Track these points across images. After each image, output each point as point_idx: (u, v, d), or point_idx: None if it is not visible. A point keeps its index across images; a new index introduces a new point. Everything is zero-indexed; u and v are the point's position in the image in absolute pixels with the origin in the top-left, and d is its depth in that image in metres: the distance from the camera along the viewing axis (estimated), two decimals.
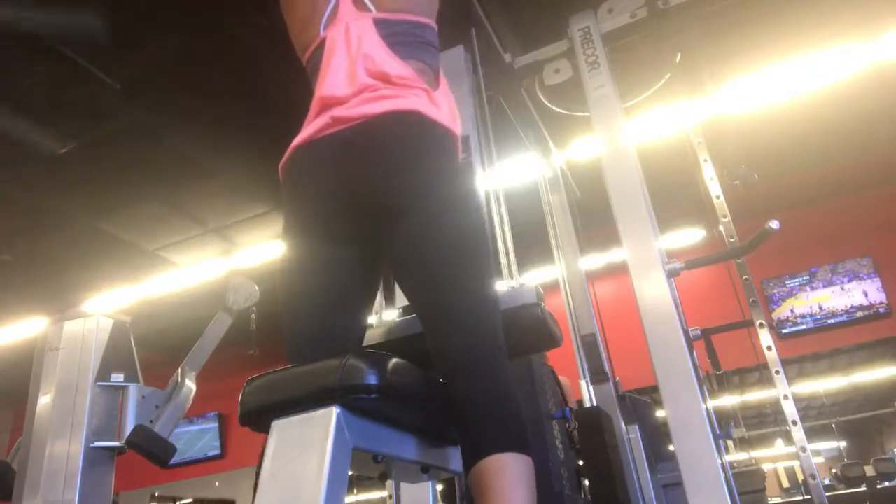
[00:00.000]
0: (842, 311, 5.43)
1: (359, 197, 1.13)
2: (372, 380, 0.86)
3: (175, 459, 2.12)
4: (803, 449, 2.20)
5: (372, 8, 1.29)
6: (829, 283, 5.53)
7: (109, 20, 2.92)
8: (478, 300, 1.06)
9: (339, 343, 1.13)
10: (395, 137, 1.14)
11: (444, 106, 1.26)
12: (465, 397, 0.97)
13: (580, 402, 2.62)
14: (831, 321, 5.46)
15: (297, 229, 1.19)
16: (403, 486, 1.76)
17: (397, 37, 1.27)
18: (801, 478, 7.63)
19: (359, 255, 1.19)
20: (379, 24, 1.27)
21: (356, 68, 1.22)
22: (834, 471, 6.70)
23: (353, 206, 1.14)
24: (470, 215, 1.13)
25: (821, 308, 5.50)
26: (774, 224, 1.84)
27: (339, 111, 1.18)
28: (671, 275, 1.83)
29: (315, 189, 1.18)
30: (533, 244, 3.20)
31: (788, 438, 2.87)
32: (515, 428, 0.95)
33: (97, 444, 1.97)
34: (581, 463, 2.30)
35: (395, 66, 1.22)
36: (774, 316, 5.55)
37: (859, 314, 5.38)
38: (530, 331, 1.13)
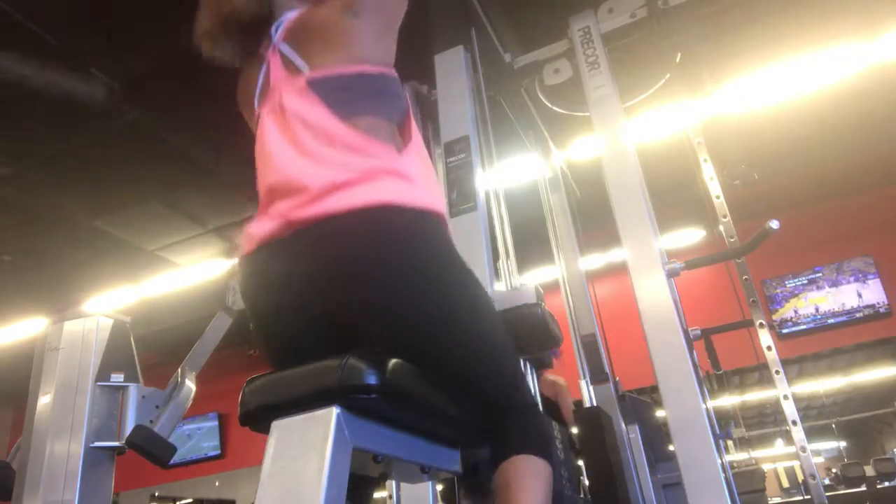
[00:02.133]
0: (842, 311, 5.43)
1: (333, 319, 1.00)
2: (372, 380, 0.86)
3: (179, 459, 2.12)
4: (803, 449, 2.20)
5: (305, 68, 1.10)
6: (830, 283, 5.52)
7: (110, 20, 2.92)
8: (489, 358, 1.05)
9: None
10: (370, 251, 0.97)
11: (420, 174, 1.09)
12: (496, 418, 1.03)
13: (580, 402, 2.62)
14: (831, 321, 5.45)
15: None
16: (403, 486, 1.76)
17: (339, 93, 1.08)
18: (801, 478, 7.63)
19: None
20: (314, 85, 1.08)
21: (300, 140, 1.06)
22: (834, 471, 6.70)
23: (325, 323, 1.01)
24: (482, 321, 1.06)
25: (818, 308, 5.49)
26: (774, 224, 1.84)
27: (293, 209, 1.00)
28: (671, 275, 1.83)
29: (277, 315, 1.04)
30: (533, 244, 3.19)
31: (788, 438, 2.87)
32: (542, 437, 1.04)
33: (97, 444, 1.98)
34: (581, 463, 2.30)
35: (341, 129, 1.05)
36: (777, 316, 5.55)
37: (859, 314, 5.38)
38: (530, 331, 1.13)
